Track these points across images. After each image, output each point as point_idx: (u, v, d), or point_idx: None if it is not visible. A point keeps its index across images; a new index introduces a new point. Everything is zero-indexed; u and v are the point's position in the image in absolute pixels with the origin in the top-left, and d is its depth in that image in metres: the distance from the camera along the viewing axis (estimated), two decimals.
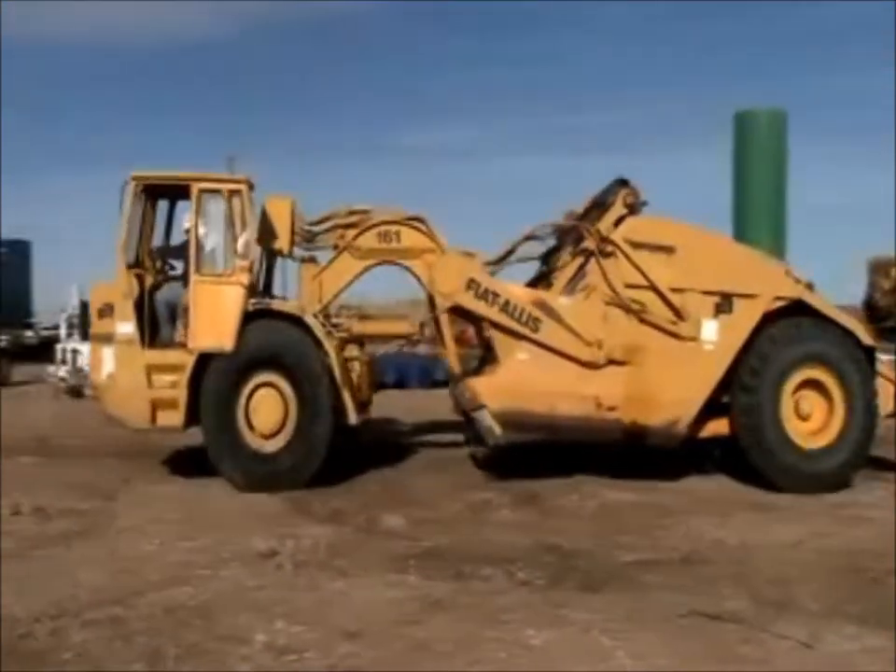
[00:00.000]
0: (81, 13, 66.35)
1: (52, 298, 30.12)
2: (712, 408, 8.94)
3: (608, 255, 8.91)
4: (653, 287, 8.82)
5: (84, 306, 17.00)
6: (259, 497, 8.30)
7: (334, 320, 9.72)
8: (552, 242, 9.82)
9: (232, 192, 9.01)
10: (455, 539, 6.88)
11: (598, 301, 8.90)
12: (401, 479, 9.32)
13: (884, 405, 9.04)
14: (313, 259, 9.59)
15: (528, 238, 9.62)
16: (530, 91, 70.54)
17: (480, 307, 9.07)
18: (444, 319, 9.36)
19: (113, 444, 10.66)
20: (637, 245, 8.88)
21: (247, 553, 6.41)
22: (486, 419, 8.80)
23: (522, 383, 8.82)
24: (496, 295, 9.03)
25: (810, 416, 8.83)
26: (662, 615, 5.12)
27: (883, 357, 9.44)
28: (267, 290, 9.85)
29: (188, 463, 9.55)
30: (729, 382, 8.84)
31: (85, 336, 15.89)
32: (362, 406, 9.38)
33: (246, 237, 8.94)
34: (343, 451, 9.37)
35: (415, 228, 9.45)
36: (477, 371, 9.54)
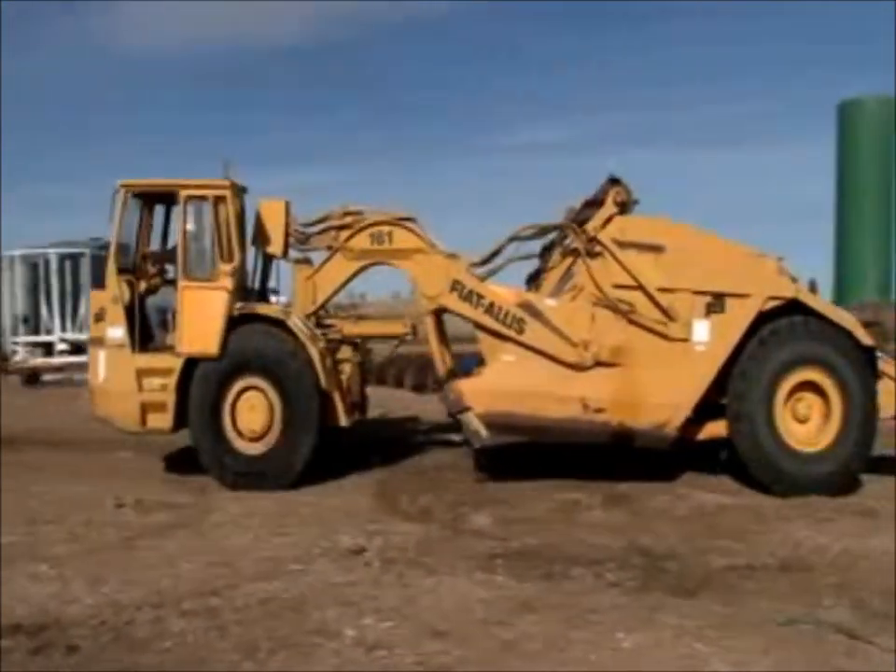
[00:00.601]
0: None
1: None
2: (711, 409, 8.71)
3: (595, 255, 8.79)
4: (642, 288, 8.65)
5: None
6: (349, 495, 8.42)
7: (328, 321, 9.75)
8: (540, 242, 9.58)
9: (218, 198, 9.09)
10: (544, 539, 6.82)
11: (586, 302, 8.79)
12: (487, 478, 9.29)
13: (887, 406, 8.62)
14: (307, 261, 9.65)
15: (512, 239, 9.39)
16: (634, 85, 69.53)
17: (464, 309, 9.06)
18: (429, 321, 9.32)
19: None
20: (624, 245, 8.74)
21: (337, 549, 6.51)
22: (472, 421, 8.79)
23: (507, 385, 8.78)
24: (480, 297, 8.99)
25: (808, 419, 8.54)
26: (759, 622, 4.96)
27: (886, 358, 8.98)
28: (263, 293, 9.97)
29: None
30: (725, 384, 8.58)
31: None
32: (353, 407, 9.44)
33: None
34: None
35: (407, 228, 9.39)
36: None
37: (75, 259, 23.63)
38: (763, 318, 8.52)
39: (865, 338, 8.52)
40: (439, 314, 9.36)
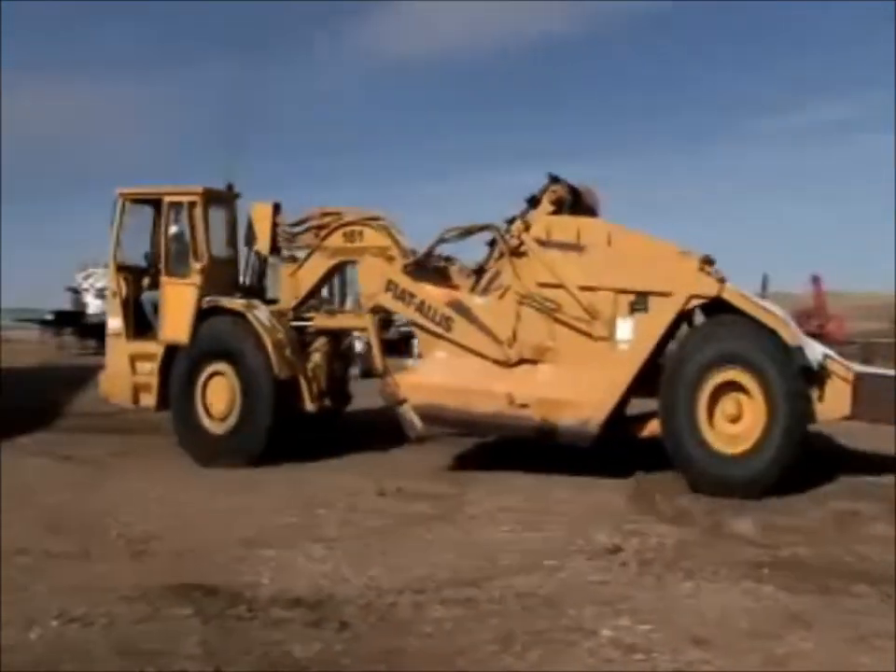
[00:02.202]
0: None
1: None
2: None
3: (521, 254, 8.92)
4: (564, 286, 8.71)
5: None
6: (603, 493, 8.27)
7: (306, 314, 10.34)
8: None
9: (191, 203, 10.20)
10: (818, 551, 6.29)
11: (512, 301, 8.94)
12: None
13: (837, 407, 8.10)
14: (293, 259, 10.30)
15: (440, 241, 9.63)
16: None
17: (398, 307, 9.53)
18: (368, 318, 9.77)
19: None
20: (548, 245, 8.84)
21: (592, 547, 6.41)
22: (408, 413, 9.23)
23: (439, 379, 9.11)
24: (412, 296, 9.31)
25: (740, 419, 8.21)
26: None
27: (835, 356, 8.44)
28: (257, 289, 10.71)
29: (535, 458, 9.82)
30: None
31: None
32: (322, 394, 10.12)
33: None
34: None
35: (375, 227, 9.89)
36: None
37: None
38: (687, 316, 8.49)
39: (791, 337, 8.07)
40: (377, 312, 9.77)
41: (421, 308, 9.32)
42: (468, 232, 9.61)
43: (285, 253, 10.49)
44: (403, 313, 9.64)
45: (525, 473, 9.17)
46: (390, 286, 9.46)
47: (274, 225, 10.36)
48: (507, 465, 9.51)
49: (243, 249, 10.81)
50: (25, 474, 9.09)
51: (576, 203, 9.42)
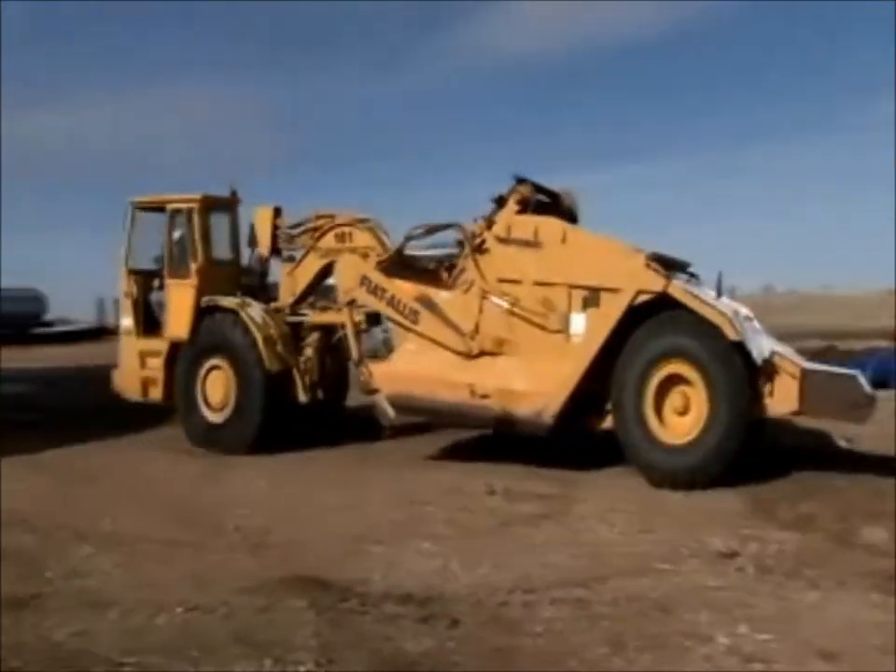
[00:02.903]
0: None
1: None
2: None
3: (484, 251, 9.31)
4: (522, 282, 9.08)
5: None
6: (717, 495, 8.00)
7: (302, 311, 10.94)
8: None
9: (190, 209, 11.03)
10: None
11: (475, 296, 9.33)
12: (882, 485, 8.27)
13: (785, 402, 8.19)
14: (292, 259, 10.90)
15: (408, 239, 10.02)
16: None
17: (371, 301, 10.09)
18: (346, 311, 10.35)
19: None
20: (506, 242, 9.19)
21: (707, 551, 6.21)
22: (381, 401, 9.78)
23: (408, 370, 9.59)
24: (384, 290, 9.86)
25: (687, 411, 8.45)
26: None
27: (784, 352, 8.45)
28: (260, 288, 11.38)
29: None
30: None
31: None
32: (314, 386, 10.67)
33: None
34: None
35: (362, 228, 10.41)
36: None
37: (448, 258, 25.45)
38: (639, 311, 8.62)
39: (732, 333, 8.18)
40: (352, 305, 10.34)
41: (391, 302, 9.87)
42: (433, 230, 10.03)
43: (284, 254, 11.09)
44: (376, 306, 10.16)
45: (634, 474, 9.01)
46: (364, 281, 10.06)
47: (275, 227, 10.99)
48: (616, 464, 9.37)
49: (247, 251, 11.54)
50: (149, 467, 9.53)
51: (554, 205, 9.87)
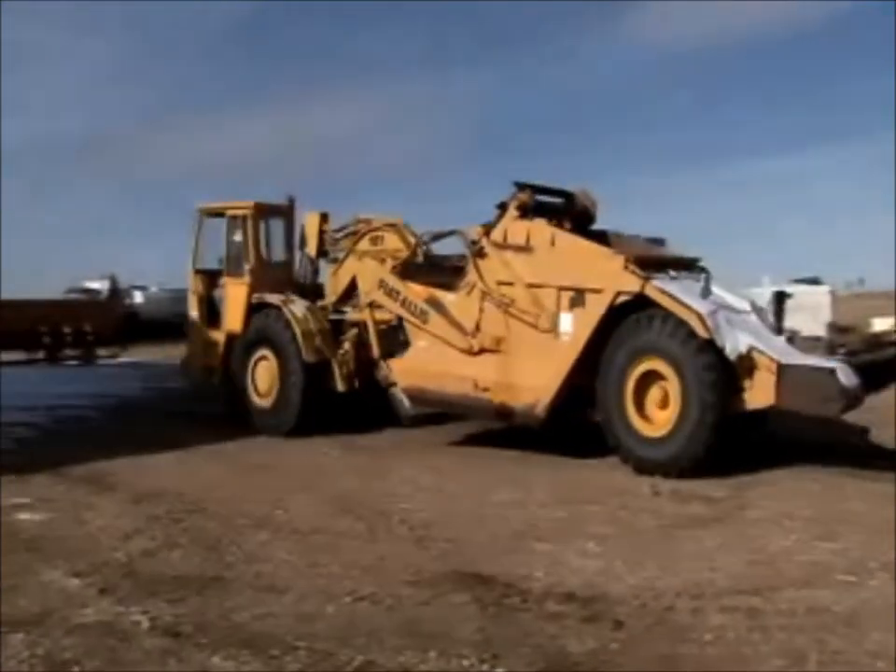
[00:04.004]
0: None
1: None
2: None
3: (483, 255, 10.01)
4: (516, 284, 9.74)
5: (779, 296, 17.25)
6: None
7: (344, 308, 11.77)
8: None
9: (245, 216, 12.26)
10: None
11: (476, 297, 10.08)
12: None
13: (762, 396, 8.46)
14: (336, 260, 11.88)
15: (417, 245, 11.06)
16: None
17: (388, 303, 10.93)
18: (367, 312, 11.25)
19: None
20: (501, 247, 9.89)
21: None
22: (398, 394, 10.73)
23: (421, 365, 10.50)
24: (398, 292, 10.77)
25: (667, 405, 8.91)
26: None
27: (763, 348, 8.51)
28: (311, 286, 12.36)
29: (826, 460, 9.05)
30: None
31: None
32: (350, 377, 11.43)
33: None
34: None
35: (393, 232, 11.32)
36: None
37: None
38: (622, 310, 9.11)
39: (702, 330, 8.57)
40: (372, 306, 11.19)
41: (404, 303, 10.75)
42: (438, 237, 11.15)
43: (330, 255, 12.10)
44: (391, 307, 10.95)
45: (811, 479, 8.51)
46: (382, 284, 11.00)
47: (321, 231, 12.09)
48: (792, 466, 8.88)
49: (299, 253, 12.64)
50: (320, 461, 9.95)
51: (568, 207, 10.48)
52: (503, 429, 10.62)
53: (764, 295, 19.12)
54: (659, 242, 10.96)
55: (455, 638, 4.63)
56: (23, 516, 7.25)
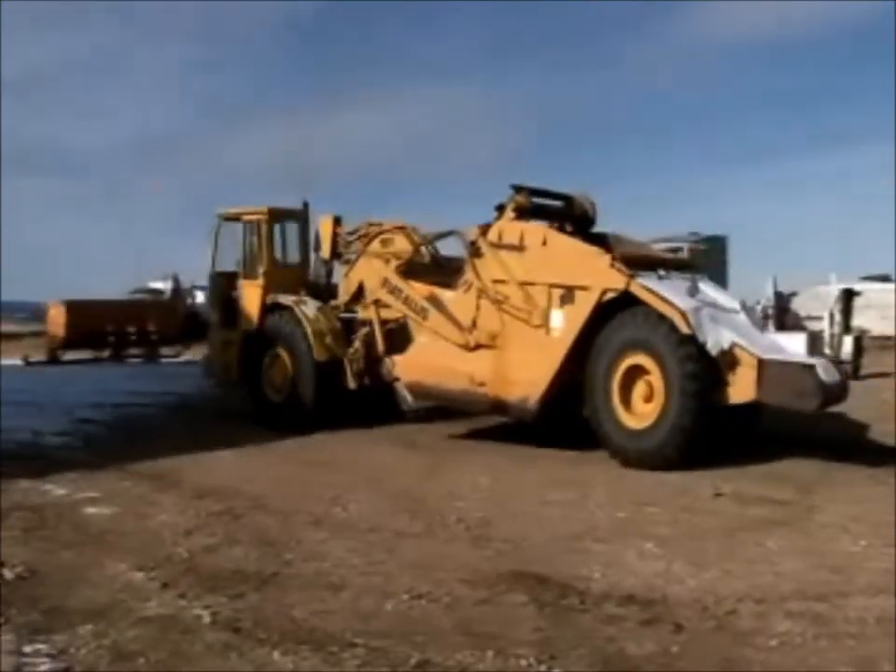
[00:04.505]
0: None
1: (748, 288, 31.42)
2: None
3: (480, 255, 10.34)
4: (510, 282, 10.05)
5: (847, 294, 17.08)
6: None
7: (355, 307, 12.08)
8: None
9: (259, 221, 12.89)
10: None
11: (473, 294, 10.42)
12: None
13: (743, 391, 8.74)
14: (348, 262, 12.29)
15: (420, 244, 11.67)
16: None
17: (391, 300, 11.39)
18: (372, 309, 11.70)
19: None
20: (496, 246, 10.22)
21: None
22: (401, 389, 11.06)
23: (421, 360, 10.86)
24: (400, 291, 11.25)
25: (652, 398, 9.12)
26: None
27: (745, 345, 8.80)
28: (324, 287, 12.81)
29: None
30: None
31: (780, 326, 15.99)
32: (360, 375, 11.76)
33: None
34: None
35: (401, 234, 11.75)
36: None
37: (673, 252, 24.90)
38: (609, 307, 9.38)
39: (684, 328, 8.81)
40: (378, 304, 11.64)
41: (406, 301, 11.18)
42: (437, 237, 11.72)
43: (343, 257, 12.49)
44: (394, 305, 11.36)
45: (879, 483, 8.25)
46: (385, 283, 11.47)
47: (335, 234, 12.49)
48: (859, 468, 8.62)
49: (314, 255, 13.12)
50: (377, 459, 10.00)
51: (567, 210, 10.87)
52: (565, 430, 10.49)
53: (832, 293, 18.69)
54: (675, 250, 11.70)
55: (512, 638, 4.60)
56: (91, 510, 7.45)
